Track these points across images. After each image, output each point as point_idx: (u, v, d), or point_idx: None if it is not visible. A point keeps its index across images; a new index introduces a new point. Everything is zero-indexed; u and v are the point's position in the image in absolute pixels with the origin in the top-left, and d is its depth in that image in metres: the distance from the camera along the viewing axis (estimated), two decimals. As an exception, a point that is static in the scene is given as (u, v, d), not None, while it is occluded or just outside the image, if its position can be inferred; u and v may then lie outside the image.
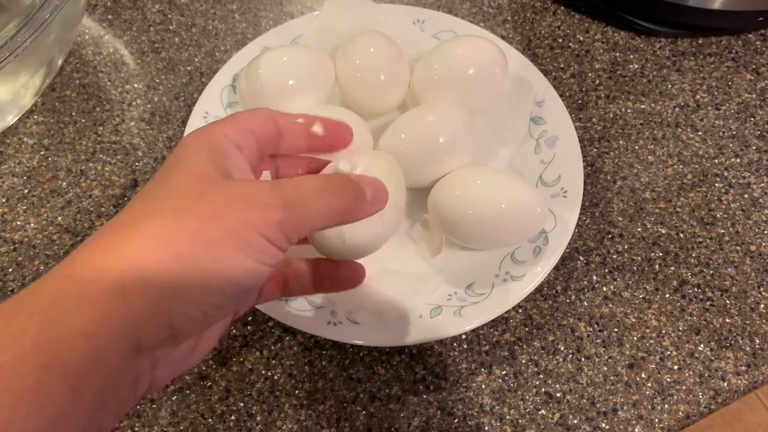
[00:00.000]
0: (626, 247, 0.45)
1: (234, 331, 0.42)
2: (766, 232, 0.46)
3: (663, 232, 0.46)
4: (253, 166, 0.31)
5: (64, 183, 0.48)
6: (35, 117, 0.51)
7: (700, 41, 0.55)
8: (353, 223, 0.31)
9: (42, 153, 0.49)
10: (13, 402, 0.21)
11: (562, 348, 0.42)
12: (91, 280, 0.23)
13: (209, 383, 0.41)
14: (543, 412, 0.40)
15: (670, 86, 0.52)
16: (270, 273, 0.27)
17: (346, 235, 0.32)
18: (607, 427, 0.39)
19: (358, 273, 0.35)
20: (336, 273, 0.35)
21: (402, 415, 0.40)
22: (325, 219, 0.29)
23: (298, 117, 0.34)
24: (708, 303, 0.43)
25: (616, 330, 0.42)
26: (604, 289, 0.44)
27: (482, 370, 0.41)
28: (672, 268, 0.44)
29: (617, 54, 0.54)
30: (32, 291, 0.23)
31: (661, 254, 0.45)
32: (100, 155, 0.49)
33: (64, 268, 0.24)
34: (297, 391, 0.40)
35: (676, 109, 0.51)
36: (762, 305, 0.43)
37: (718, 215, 0.46)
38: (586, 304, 0.43)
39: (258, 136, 0.31)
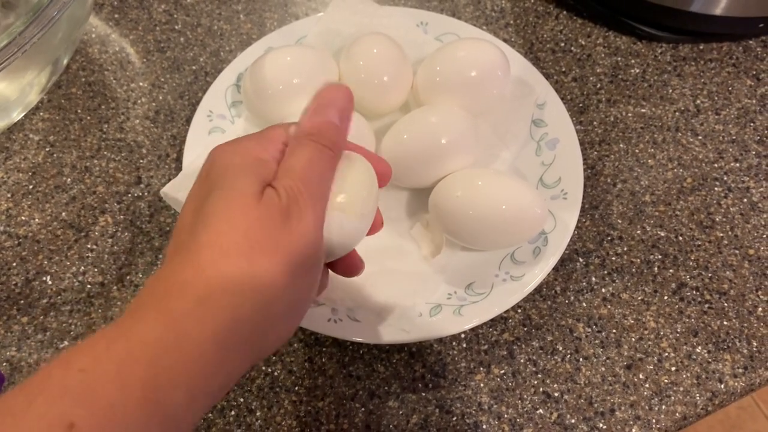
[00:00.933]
0: (625, 249, 0.45)
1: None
2: (764, 236, 0.46)
3: (662, 235, 0.46)
4: None
5: (69, 179, 0.48)
6: (41, 114, 0.51)
7: (701, 47, 0.55)
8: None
9: (47, 149, 0.49)
10: None
11: (561, 348, 0.42)
12: (189, 330, 0.23)
13: (210, 379, 0.41)
14: (541, 411, 0.40)
15: (670, 91, 0.53)
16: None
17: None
18: (605, 427, 0.39)
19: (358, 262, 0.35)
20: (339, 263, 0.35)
21: (401, 412, 0.40)
22: (329, 180, 0.30)
23: None
24: (706, 305, 0.43)
25: (614, 331, 0.42)
26: (603, 290, 0.44)
27: (481, 369, 0.41)
28: (671, 270, 0.45)
29: (619, 58, 0.54)
30: (140, 338, 0.23)
31: (660, 257, 0.45)
32: (105, 152, 0.49)
33: (156, 308, 0.24)
34: (297, 388, 0.41)
35: (677, 113, 0.51)
36: (760, 308, 0.43)
37: (717, 219, 0.47)
38: (584, 305, 0.43)
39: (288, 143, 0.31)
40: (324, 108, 0.31)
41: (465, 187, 0.41)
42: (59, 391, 0.21)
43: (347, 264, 0.34)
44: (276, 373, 0.41)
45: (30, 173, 0.48)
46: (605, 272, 0.45)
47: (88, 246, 0.45)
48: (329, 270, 0.34)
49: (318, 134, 0.30)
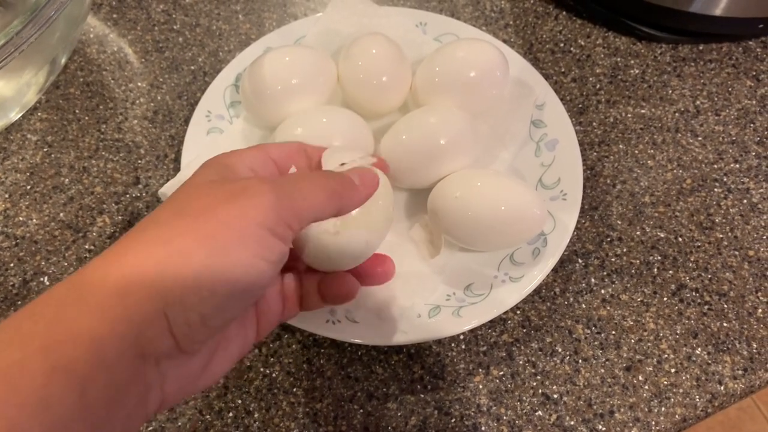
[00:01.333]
0: (625, 250, 0.45)
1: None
2: (764, 237, 0.46)
3: (662, 236, 0.46)
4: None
5: (67, 180, 0.48)
6: (39, 114, 0.51)
7: (700, 47, 0.55)
8: (338, 237, 0.32)
9: (45, 150, 0.49)
10: (20, 402, 0.21)
11: (560, 350, 0.42)
12: (95, 285, 0.24)
13: (208, 380, 0.41)
14: (540, 413, 0.40)
15: (670, 91, 0.53)
16: (272, 273, 0.27)
17: (330, 247, 0.33)
18: (604, 429, 0.39)
19: (352, 287, 0.35)
20: (331, 286, 0.35)
21: (399, 414, 0.40)
22: (321, 202, 0.29)
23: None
24: (706, 307, 0.43)
25: (613, 332, 0.42)
26: (603, 291, 0.44)
27: (480, 370, 0.41)
28: (670, 271, 0.45)
29: (618, 59, 0.54)
30: (43, 298, 0.24)
31: (659, 258, 0.45)
32: (103, 152, 0.49)
33: (73, 276, 0.24)
34: (295, 389, 0.41)
35: (676, 114, 0.51)
36: (759, 310, 0.43)
37: (717, 220, 0.47)
38: (584, 306, 0.43)
39: (280, 164, 0.31)
40: (356, 172, 0.33)
41: (464, 187, 0.41)
42: None
43: (345, 282, 0.35)
44: (274, 375, 0.41)
45: (28, 173, 0.48)
46: (605, 273, 0.44)
47: (86, 247, 0.45)
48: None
49: (333, 173, 0.31)
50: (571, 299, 0.44)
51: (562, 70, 0.54)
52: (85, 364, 0.22)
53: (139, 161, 0.49)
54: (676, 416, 0.40)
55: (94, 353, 0.22)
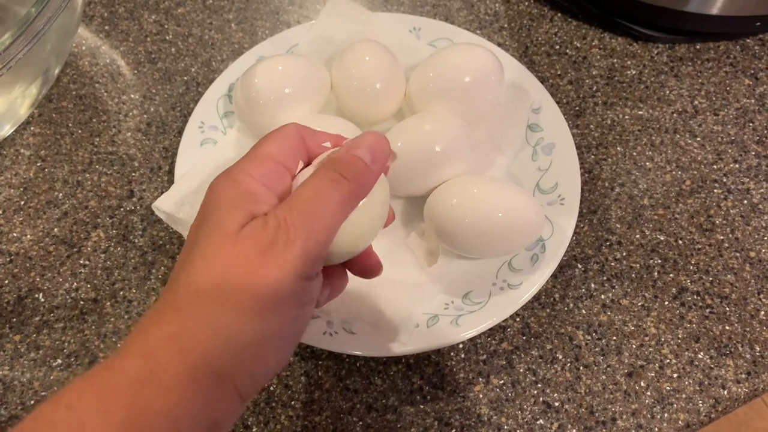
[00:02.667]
0: (625, 254, 0.45)
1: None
2: (765, 238, 0.45)
3: (662, 238, 0.45)
4: (284, 186, 0.30)
5: (61, 194, 0.48)
6: (32, 128, 0.51)
7: (697, 47, 0.55)
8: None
9: (38, 164, 0.49)
10: None
11: (561, 357, 0.41)
12: (165, 364, 0.24)
13: (205, 394, 0.40)
14: (541, 421, 0.39)
15: (667, 92, 0.52)
16: (314, 307, 0.29)
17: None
18: (607, 436, 0.39)
19: (342, 279, 0.35)
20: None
21: (399, 425, 0.39)
22: (341, 215, 0.29)
23: (324, 140, 0.33)
24: (707, 310, 0.43)
25: (614, 338, 0.42)
26: (603, 296, 0.43)
27: (480, 379, 0.41)
28: (671, 275, 0.44)
29: (614, 60, 0.54)
30: (120, 370, 0.24)
31: (659, 261, 0.45)
32: (97, 166, 0.49)
33: (137, 345, 0.25)
34: (293, 402, 0.40)
35: (674, 115, 0.51)
36: (762, 312, 0.43)
37: (717, 221, 0.46)
38: (584, 312, 0.43)
39: (287, 165, 0.30)
40: (356, 146, 0.30)
41: (460, 194, 0.41)
42: (48, 427, 0.22)
43: (364, 266, 0.34)
44: (272, 388, 0.41)
45: (21, 189, 0.48)
46: (604, 278, 0.44)
47: (81, 262, 0.45)
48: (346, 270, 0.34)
49: (340, 163, 0.29)
50: (571, 305, 0.43)
51: (558, 72, 0.53)
52: None
53: (133, 174, 0.49)
54: (680, 422, 0.39)
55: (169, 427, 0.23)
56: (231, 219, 0.27)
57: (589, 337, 0.42)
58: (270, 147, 0.30)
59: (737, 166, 0.48)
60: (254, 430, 0.39)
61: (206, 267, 0.26)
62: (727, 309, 0.43)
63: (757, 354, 0.41)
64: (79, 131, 0.51)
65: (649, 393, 0.40)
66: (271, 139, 0.31)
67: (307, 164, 0.32)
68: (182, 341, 0.25)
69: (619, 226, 0.46)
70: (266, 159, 0.30)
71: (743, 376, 0.41)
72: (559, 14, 0.57)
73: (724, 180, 0.48)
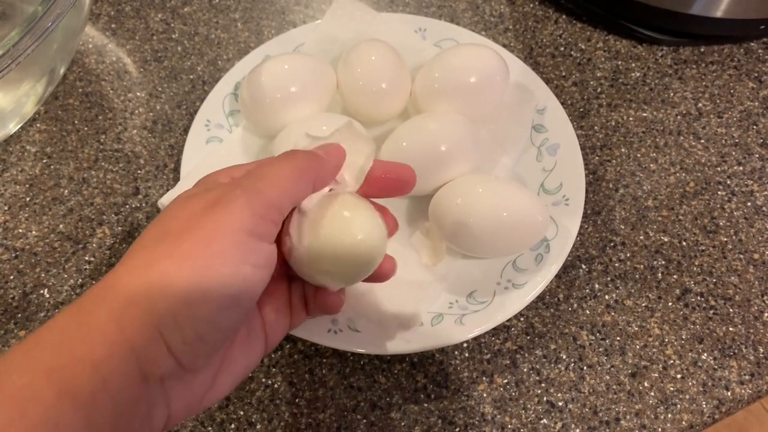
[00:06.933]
0: (628, 255, 0.45)
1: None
2: (769, 240, 0.45)
3: (665, 240, 0.45)
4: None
5: (66, 191, 0.48)
6: (38, 125, 0.51)
7: (702, 49, 0.55)
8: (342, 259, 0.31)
9: (44, 161, 0.49)
10: (29, 425, 0.21)
11: (564, 356, 0.41)
12: (93, 311, 0.24)
13: (209, 391, 0.40)
14: (545, 421, 0.39)
15: (672, 94, 0.52)
16: (261, 277, 0.27)
17: (333, 267, 0.32)
18: (610, 436, 0.39)
19: (339, 298, 0.34)
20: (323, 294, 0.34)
21: (403, 423, 0.39)
22: (292, 182, 0.29)
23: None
24: (711, 311, 0.43)
25: (618, 338, 0.42)
26: (607, 297, 0.43)
27: (483, 378, 0.41)
28: (675, 276, 0.44)
29: (619, 62, 0.54)
30: (48, 326, 0.24)
31: (663, 262, 0.45)
32: (102, 163, 0.49)
33: (73, 304, 0.25)
34: (297, 400, 0.40)
35: (678, 117, 0.51)
36: (766, 314, 0.43)
37: (721, 223, 0.46)
38: (588, 312, 0.43)
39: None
40: (322, 147, 0.32)
41: (465, 194, 0.41)
42: None
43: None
44: (276, 385, 0.41)
45: (27, 185, 0.48)
46: (608, 279, 0.44)
47: (86, 258, 0.45)
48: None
49: (296, 151, 0.31)
50: (575, 305, 0.43)
51: (563, 74, 0.53)
52: (90, 389, 0.22)
53: (139, 171, 0.49)
54: (683, 423, 0.39)
55: (97, 378, 0.23)
56: (188, 191, 0.29)
57: (593, 338, 0.42)
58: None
59: (741, 168, 0.49)
60: (258, 427, 0.39)
61: (154, 224, 0.27)
62: (731, 310, 0.43)
63: (761, 355, 0.41)
64: (85, 128, 0.51)
65: (652, 393, 0.40)
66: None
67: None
68: (112, 287, 0.25)
69: (623, 227, 0.46)
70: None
71: (747, 377, 0.41)
72: (564, 16, 0.57)
73: (728, 182, 0.48)
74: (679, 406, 0.40)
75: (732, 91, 0.52)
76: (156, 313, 0.24)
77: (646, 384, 0.40)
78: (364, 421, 0.40)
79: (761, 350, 0.41)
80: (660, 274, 0.44)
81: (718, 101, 0.52)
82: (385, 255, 0.34)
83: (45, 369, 0.22)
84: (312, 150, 0.32)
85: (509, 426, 0.39)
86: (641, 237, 0.46)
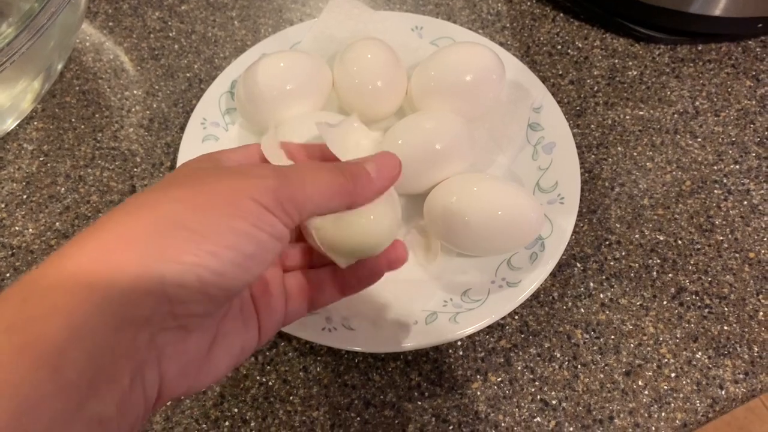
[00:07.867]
0: (624, 253, 0.45)
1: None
2: (765, 239, 0.45)
3: (661, 238, 0.45)
4: None
5: (63, 189, 0.48)
6: (35, 123, 0.51)
7: (699, 48, 0.55)
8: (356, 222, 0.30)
9: (41, 159, 0.49)
10: None
11: (559, 355, 0.41)
12: (72, 257, 0.22)
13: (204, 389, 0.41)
14: (538, 419, 0.39)
15: (669, 93, 0.52)
16: (273, 246, 0.25)
17: (341, 245, 0.31)
18: (604, 435, 0.39)
19: (378, 265, 0.33)
20: (357, 270, 0.33)
21: (397, 421, 0.40)
22: (325, 196, 0.27)
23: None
24: (706, 310, 0.43)
25: (612, 337, 0.42)
26: (602, 295, 0.43)
27: (477, 376, 0.41)
28: (670, 275, 0.44)
29: (616, 60, 0.54)
30: (18, 282, 0.22)
31: (659, 261, 0.45)
32: (99, 161, 0.49)
33: (48, 259, 0.23)
34: (291, 397, 0.40)
35: (675, 115, 0.51)
36: (761, 313, 0.43)
37: (717, 222, 0.46)
38: (582, 310, 0.43)
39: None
40: (367, 160, 0.30)
41: (460, 192, 0.41)
42: None
43: (372, 263, 0.33)
44: (270, 383, 0.41)
45: (24, 183, 0.48)
46: (603, 277, 0.44)
47: (82, 256, 0.45)
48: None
49: (343, 165, 0.29)
50: (570, 304, 0.43)
51: (560, 72, 0.53)
52: (57, 338, 0.20)
53: (135, 169, 0.49)
54: (677, 421, 0.39)
55: (66, 325, 0.20)
56: (195, 162, 0.29)
57: (588, 336, 0.42)
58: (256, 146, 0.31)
59: (737, 167, 0.48)
60: (252, 424, 0.39)
61: (158, 183, 0.26)
62: (726, 309, 0.43)
63: (755, 354, 0.41)
64: (82, 126, 0.51)
65: (646, 392, 0.40)
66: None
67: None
68: (100, 234, 0.23)
69: (618, 225, 0.46)
70: (249, 150, 0.31)
71: (741, 376, 0.41)
72: (561, 14, 0.57)
73: (725, 181, 0.48)
74: (673, 404, 0.40)
75: (729, 89, 0.52)
76: (160, 247, 0.22)
77: (640, 382, 0.40)
78: (358, 419, 0.40)
79: (756, 349, 0.41)
80: (655, 273, 0.44)
81: (715, 100, 0.52)
82: (398, 241, 0.33)
83: (5, 325, 0.20)
84: (363, 166, 0.30)
85: (503, 424, 0.39)
86: (636, 236, 0.46)
